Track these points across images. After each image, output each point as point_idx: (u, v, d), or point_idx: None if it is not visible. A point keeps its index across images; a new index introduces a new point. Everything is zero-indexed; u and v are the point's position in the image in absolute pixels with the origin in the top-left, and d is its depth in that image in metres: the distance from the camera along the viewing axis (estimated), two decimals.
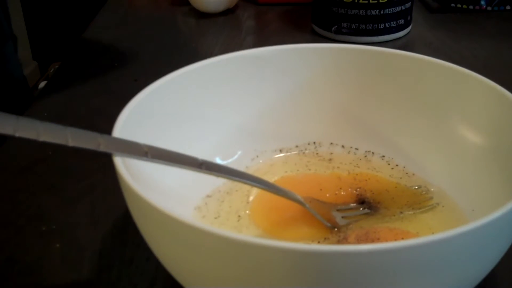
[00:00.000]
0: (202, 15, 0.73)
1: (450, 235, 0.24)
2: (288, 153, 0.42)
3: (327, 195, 0.38)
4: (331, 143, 0.42)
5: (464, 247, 0.25)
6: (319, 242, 0.34)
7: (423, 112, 0.40)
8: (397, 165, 0.40)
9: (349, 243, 0.33)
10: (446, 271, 0.25)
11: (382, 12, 0.62)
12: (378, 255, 0.23)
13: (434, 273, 0.25)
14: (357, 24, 0.63)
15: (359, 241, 0.33)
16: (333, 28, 0.64)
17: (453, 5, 0.72)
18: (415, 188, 0.38)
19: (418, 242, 0.23)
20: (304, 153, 0.42)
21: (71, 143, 0.28)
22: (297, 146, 0.42)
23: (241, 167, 0.40)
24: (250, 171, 0.40)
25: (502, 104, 0.35)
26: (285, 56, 0.41)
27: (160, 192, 0.34)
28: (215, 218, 0.36)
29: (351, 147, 0.42)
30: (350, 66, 0.41)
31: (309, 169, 0.41)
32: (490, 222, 0.25)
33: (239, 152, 0.41)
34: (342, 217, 0.36)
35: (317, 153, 0.42)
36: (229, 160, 0.40)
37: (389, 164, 0.41)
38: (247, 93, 0.41)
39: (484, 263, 0.28)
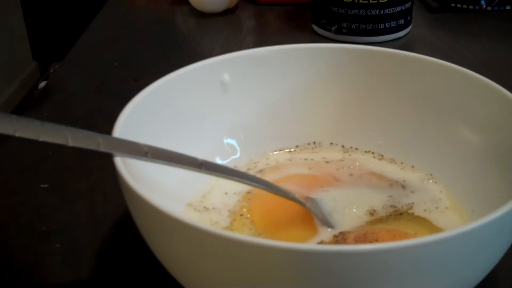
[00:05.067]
0: (202, 15, 0.73)
1: (449, 235, 0.24)
2: (288, 153, 0.42)
3: None
4: (331, 143, 0.42)
5: (464, 247, 0.25)
6: (317, 243, 0.34)
7: (423, 112, 0.40)
8: (396, 165, 0.40)
9: (347, 244, 0.33)
10: (445, 271, 0.25)
11: (382, 12, 0.62)
12: (377, 255, 0.23)
13: (434, 273, 0.25)
14: (357, 24, 0.63)
15: (357, 242, 0.33)
16: (333, 28, 0.64)
17: (453, 5, 0.72)
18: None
19: (417, 243, 0.23)
20: (304, 153, 0.42)
21: (71, 143, 0.28)
22: (297, 146, 0.42)
23: (241, 167, 0.40)
24: (250, 171, 0.40)
25: (502, 104, 0.35)
26: (285, 56, 0.41)
27: (159, 191, 0.34)
28: (214, 217, 0.36)
29: (351, 147, 0.42)
30: (350, 66, 0.41)
31: (309, 169, 0.40)
32: (490, 222, 0.25)
33: (239, 152, 0.41)
34: None
35: (317, 153, 0.42)
36: (229, 160, 0.40)
37: (389, 164, 0.41)
38: (247, 93, 0.41)
39: (484, 263, 0.28)
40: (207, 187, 0.38)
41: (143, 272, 0.34)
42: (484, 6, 0.72)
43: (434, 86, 0.39)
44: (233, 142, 0.41)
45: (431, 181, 0.39)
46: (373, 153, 0.41)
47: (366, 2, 0.62)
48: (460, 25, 0.69)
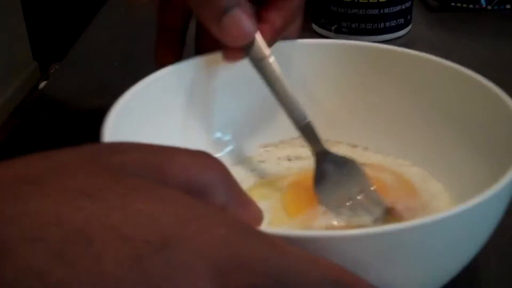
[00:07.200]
0: None
1: (437, 218, 0.24)
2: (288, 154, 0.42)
3: None
4: (331, 144, 0.42)
5: (452, 230, 0.25)
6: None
7: (423, 111, 0.40)
8: (396, 161, 0.40)
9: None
10: (432, 253, 0.26)
11: (382, 11, 0.62)
12: (365, 240, 0.23)
13: (420, 256, 0.25)
14: (357, 24, 0.63)
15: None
16: (333, 28, 0.64)
17: (453, 4, 0.72)
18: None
19: (404, 226, 0.24)
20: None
21: None
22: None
23: (242, 167, 0.40)
24: (255, 172, 0.40)
25: (500, 104, 0.35)
26: (285, 55, 0.41)
27: None
28: None
29: (350, 147, 0.42)
30: (350, 63, 0.41)
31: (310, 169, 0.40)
32: (478, 204, 0.25)
33: (239, 152, 0.41)
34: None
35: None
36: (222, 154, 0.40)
37: (388, 163, 0.41)
38: (247, 93, 0.41)
39: (472, 244, 0.28)
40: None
41: None
42: (484, 5, 0.72)
43: (434, 85, 0.39)
44: (232, 142, 0.41)
45: (430, 179, 0.39)
46: (373, 152, 0.41)
47: (366, 1, 0.62)
48: (460, 24, 0.69)
